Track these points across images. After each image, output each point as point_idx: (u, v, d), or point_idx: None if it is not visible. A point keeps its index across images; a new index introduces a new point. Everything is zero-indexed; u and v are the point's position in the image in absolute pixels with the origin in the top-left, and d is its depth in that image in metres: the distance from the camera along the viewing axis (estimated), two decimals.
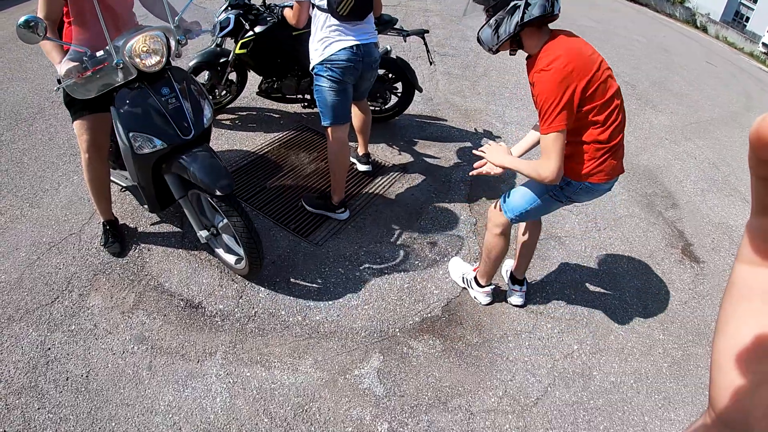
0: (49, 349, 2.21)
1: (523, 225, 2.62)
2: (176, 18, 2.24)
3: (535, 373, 2.45)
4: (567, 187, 2.14)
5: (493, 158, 2.14)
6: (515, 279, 2.78)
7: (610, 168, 2.06)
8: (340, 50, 2.70)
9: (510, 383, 2.38)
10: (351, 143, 3.36)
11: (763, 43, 20.50)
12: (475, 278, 2.72)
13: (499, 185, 3.79)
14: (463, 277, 2.82)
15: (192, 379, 2.17)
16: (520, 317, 2.73)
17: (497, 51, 2.09)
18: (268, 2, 3.59)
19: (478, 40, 2.10)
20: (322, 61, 2.73)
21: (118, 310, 2.43)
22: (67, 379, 2.10)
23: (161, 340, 2.31)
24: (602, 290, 3.03)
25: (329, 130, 2.90)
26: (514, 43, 2.02)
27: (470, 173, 2.32)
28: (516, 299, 2.78)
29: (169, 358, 2.24)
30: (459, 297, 2.77)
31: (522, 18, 1.90)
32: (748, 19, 25.23)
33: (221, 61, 3.59)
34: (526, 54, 2.05)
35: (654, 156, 4.84)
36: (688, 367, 2.68)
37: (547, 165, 1.92)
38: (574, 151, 2.03)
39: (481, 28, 2.06)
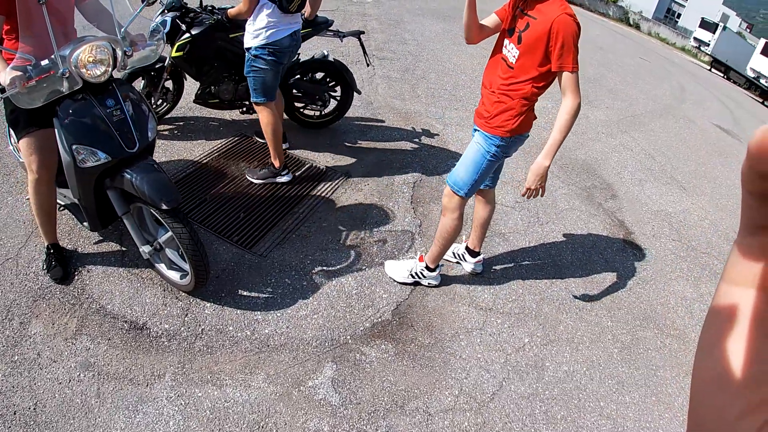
0: None
1: (480, 206, 2.85)
2: (122, 29, 2.19)
3: (489, 369, 2.50)
4: (504, 145, 2.41)
5: (539, 177, 2.33)
6: (474, 252, 2.99)
7: (533, 117, 2.42)
8: (284, 37, 3.06)
9: (465, 381, 2.42)
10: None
11: (694, 38, 21.68)
12: (426, 266, 2.81)
13: (441, 186, 3.84)
14: (410, 273, 2.85)
15: (142, 403, 2.10)
16: (469, 315, 2.78)
17: None
18: (205, 4, 3.52)
19: None
20: (265, 45, 3.03)
21: (60, 336, 2.32)
22: (14, 414, 2.00)
23: (107, 366, 2.22)
24: (549, 283, 3.12)
25: (264, 106, 3.24)
26: None
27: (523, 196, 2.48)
28: (479, 267, 3.03)
29: (118, 384, 2.16)
30: (408, 299, 2.79)
31: None
32: (679, 15, 26.62)
33: (157, 66, 3.50)
34: None
35: (591, 150, 5.03)
36: (637, 351, 2.80)
37: (574, 97, 2.18)
38: (529, 101, 2.30)
39: None
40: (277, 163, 3.44)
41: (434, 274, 2.84)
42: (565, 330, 2.84)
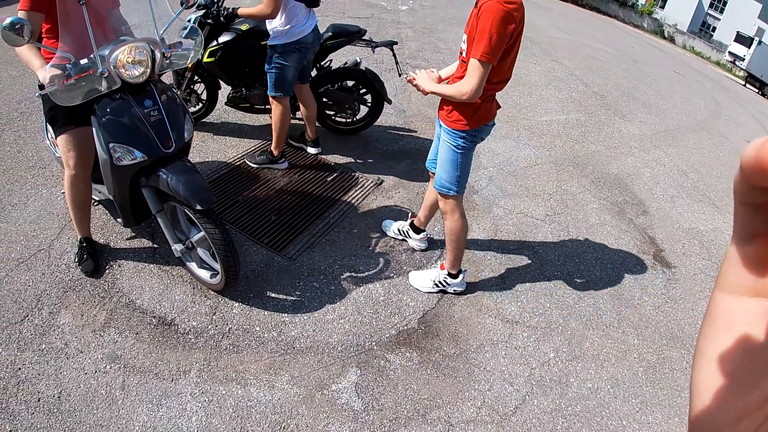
0: (20, 369, 2.14)
1: (429, 183, 2.87)
2: (162, 31, 2.23)
3: (513, 382, 2.47)
4: (466, 136, 2.42)
5: (422, 84, 2.38)
6: (418, 230, 3.09)
7: (493, 108, 2.44)
8: (308, 33, 3.19)
9: (488, 393, 2.39)
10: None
11: (729, 52, 21.21)
12: (448, 273, 2.80)
13: (472, 196, 3.82)
14: (435, 282, 2.83)
15: (166, 398, 2.12)
16: (495, 327, 2.75)
17: None
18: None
19: None
20: (291, 42, 3.14)
21: (89, 328, 2.37)
22: (38, 400, 2.04)
23: (134, 359, 2.26)
24: (576, 298, 3.07)
25: (279, 100, 3.35)
26: None
27: (406, 79, 2.52)
28: (424, 243, 3.14)
29: (143, 377, 2.19)
30: (435, 308, 2.77)
31: None
32: (714, 29, 26.06)
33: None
34: None
35: (624, 165, 4.94)
36: (663, 371, 2.73)
37: (468, 83, 2.10)
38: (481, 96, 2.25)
39: None
40: (275, 152, 3.62)
41: (458, 280, 2.82)
42: (590, 346, 2.78)
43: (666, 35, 21.51)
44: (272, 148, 3.61)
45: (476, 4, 2.12)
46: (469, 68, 2.08)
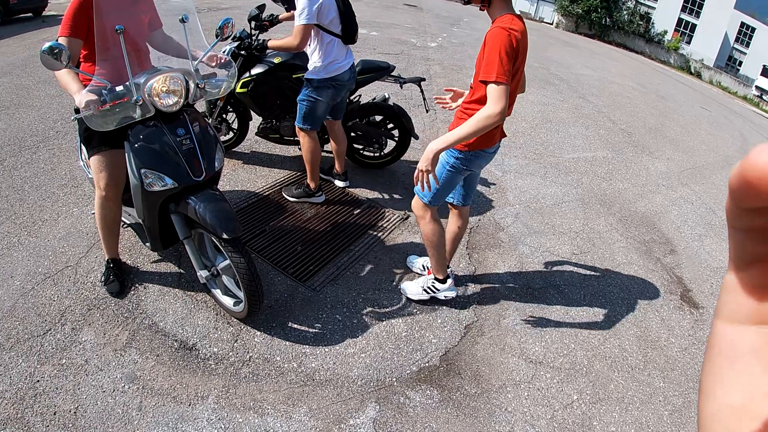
0: (38, 381, 2.17)
1: (453, 220, 2.87)
2: (196, 62, 2.29)
3: (535, 425, 2.40)
4: (462, 158, 2.42)
5: (428, 159, 2.19)
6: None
7: (496, 134, 2.43)
8: (346, 71, 3.20)
9: None
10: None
11: (756, 86, 20.97)
12: (435, 279, 2.85)
13: (498, 233, 3.80)
14: (424, 288, 2.89)
15: (183, 422, 2.11)
16: (519, 367, 2.69)
17: (467, 2, 2.30)
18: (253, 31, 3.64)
19: None
20: (327, 78, 3.16)
21: (110, 347, 2.38)
22: (54, 414, 2.05)
23: (153, 381, 2.26)
24: (602, 338, 3.00)
25: (307, 133, 3.36)
26: (486, 0, 2.22)
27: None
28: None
29: (160, 400, 2.18)
30: (457, 346, 2.73)
31: None
32: (741, 63, 25.84)
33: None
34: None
35: (651, 202, 4.87)
36: (689, 414, 2.63)
37: (495, 105, 2.08)
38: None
39: None
40: (312, 185, 3.62)
41: (446, 285, 2.86)
42: (615, 389, 2.70)
43: (692, 71, 21.39)
44: (308, 180, 3.62)
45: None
46: (489, 94, 2.11)
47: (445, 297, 2.92)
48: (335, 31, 3.13)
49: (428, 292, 2.90)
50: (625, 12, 21.85)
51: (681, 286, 3.69)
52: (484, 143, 2.41)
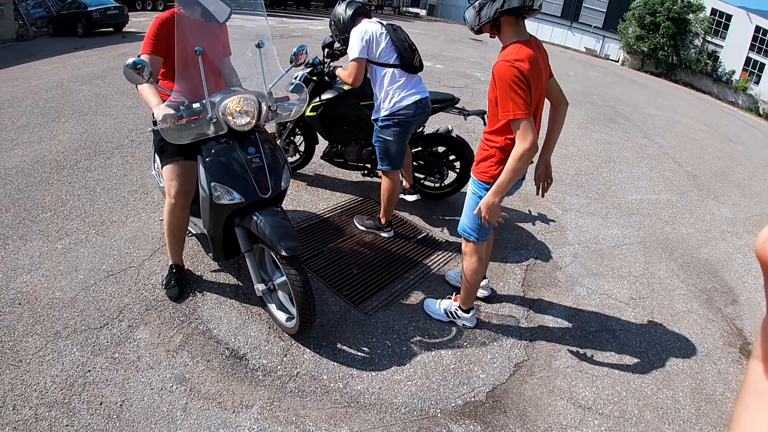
0: (89, 371, 2.26)
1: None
2: (270, 86, 2.39)
3: None
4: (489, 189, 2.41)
5: (487, 212, 2.37)
6: (466, 309, 3.05)
7: None
8: (409, 105, 3.08)
9: None
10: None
11: None
12: (459, 307, 2.92)
13: (555, 272, 3.72)
14: (447, 312, 2.96)
15: (224, 428, 2.15)
16: (566, 411, 2.60)
17: (479, 32, 2.31)
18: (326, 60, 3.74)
19: (464, 18, 2.34)
20: (390, 115, 3.08)
21: (163, 347, 2.47)
22: (101, 404, 2.13)
23: (201, 384, 2.32)
24: (655, 388, 2.87)
25: (386, 173, 3.35)
26: (494, 27, 2.23)
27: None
28: (486, 290, 3.24)
29: (206, 403, 2.24)
30: (505, 384, 2.67)
31: (501, 6, 2.10)
32: None
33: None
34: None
35: (715, 249, 4.66)
36: None
37: (523, 142, 2.14)
38: (504, 151, 2.33)
39: (467, 8, 2.28)
40: (383, 220, 3.64)
41: (468, 315, 2.93)
42: None
43: (761, 112, 20.45)
44: (380, 215, 3.65)
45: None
46: (515, 131, 2.16)
47: (463, 326, 2.98)
48: (390, 61, 3.06)
49: (449, 317, 2.97)
50: (692, 50, 21.21)
51: (741, 339, 3.49)
52: None
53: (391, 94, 3.08)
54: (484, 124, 3.99)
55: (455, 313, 2.93)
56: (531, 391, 2.67)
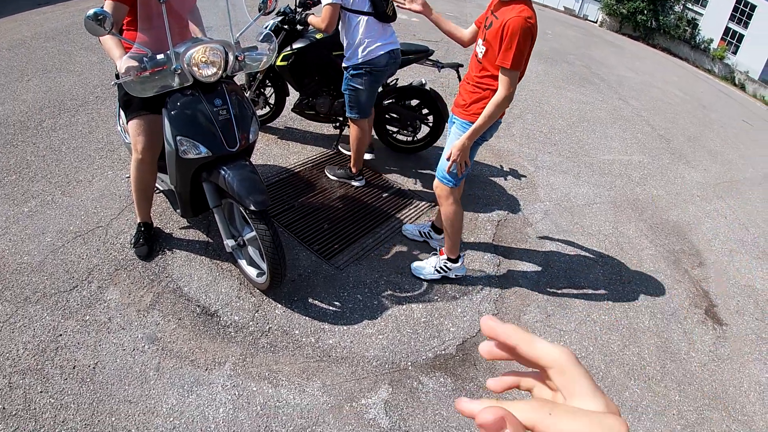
0: (61, 335, 2.23)
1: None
2: (237, 35, 2.30)
3: None
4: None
5: (460, 152, 2.52)
6: (439, 230, 3.20)
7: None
8: (382, 55, 3.07)
9: None
10: None
11: None
12: (447, 258, 2.95)
13: (525, 229, 3.76)
14: (436, 268, 2.98)
15: (198, 386, 2.16)
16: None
17: None
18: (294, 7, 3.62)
19: None
20: (362, 63, 3.06)
21: (134, 307, 2.44)
22: (73, 368, 2.12)
23: (173, 343, 2.31)
24: (621, 345, 2.95)
25: (355, 121, 3.34)
26: None
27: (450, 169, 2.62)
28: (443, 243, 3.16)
29: (178, 362, 2.24)
30: (475, 337, 2.72)
31: None
32: None
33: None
34: None
35: (684, 212, 4.76)
36: (701, 431, 2.59)
37: (506, 90, 2.32)
38: (489, 95, 2.43)
39: None
40: (354, 170, 3.65)
41: (458, 265, 2.97)
42: (630, 397, 2.66)
43: (737, 82, 20.67)
44: (351, 164, 3.65)
45: (493, 13, 2.34)
46: (501, 78, 2.31)
47: (456, 276, 3.01)
48: (363, 9, 2.98)
49: (441, 272, 2.98)
50: (672, 16, 21.17)
51: (707, 301, 3.60)
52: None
53: (366, 43, 3.04)
54: (459, 77, 3.95)
55: (445, 267, 2.97)
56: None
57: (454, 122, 2.66)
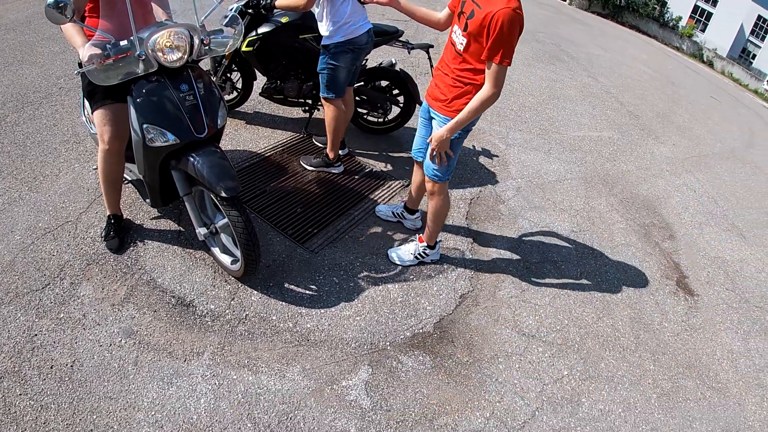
0: (36, 335, 2.19)
1: (419, 171, 3.03)
2: (202, 18, 2.25)
3: (524, 397, 2.44)
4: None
5: (441, 146, 2.46)
6: (412, 211, 3.26)
7: None
8: (362, 34, 3.07)
9: (498, 405, 2.36)
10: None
11: None
12: (427, 245, 2.98)
13: (498, 206, 3.80)
14: (415, 255, 3.00)
15: (177, 377, 2.14)
16: (511, 339, 2.72)
17: None
18: None
19: None
20: (343, 42, 3.04)
21: (108, 301, 2.40)
22: (51, 367, 2.08)
23: (149, 336, 2.29)
24: (595, 317, 3.02)
25: (332, 102, 3.29)
26: None
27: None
28: (418, 222, 3.31)
29: (156, 355, 2.22)
30: (452, 315, 2.76)
31: None
32: (754, 56, 25.43)
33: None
34: None
35: (654, 187, 4.86)
36: (677, 399, 2.67)
37: (494, 86, 2.21)
38: (472, 90, 2.35)
39: None
40: (331, 155, 3.58)
41: (434, 251, 3.02)
42: (606, 368, 2.73)
43: (705, 59, 21.06)
44: (327, 150, 3.58)
45: (474, 1, 2.20)
46: (491, 73, 2.19)
47: (431, 261, 3.06)
48: None
49: (419, 258, 3.00)
50: None
51: (677, 272, 3.70)
52: None
53: (350, 23, 3.04)
54: (429, 58, 3.94)
55: (423, 252, 2.98)
56: (477, 321, 2.76)
57: (434, 117, 2.57)
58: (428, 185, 2.72)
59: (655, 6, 22.01)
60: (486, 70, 2.21)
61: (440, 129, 2.42)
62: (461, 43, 2.29)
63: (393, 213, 3.31)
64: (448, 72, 2.42)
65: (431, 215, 2.83)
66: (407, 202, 3.24)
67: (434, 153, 2.49)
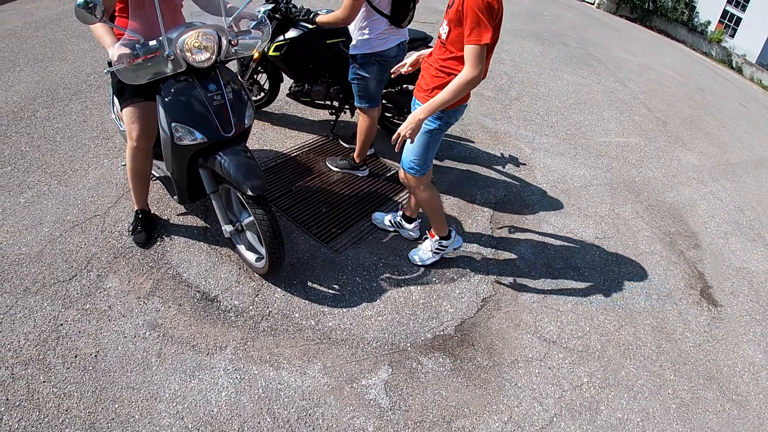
0: (62, 324, 2.24)
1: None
2: (230, 19, 2.28)
3: (543, 402, 2.43)
4: (443, 116, 2.47)
5: (412, 125, 2.29)
6: (410, 219, 3.16)
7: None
8: (391, 47, 3.06)
9: (516, 410, 2.35)
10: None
11: None
12: (439, 238, 2.95)
13: (522, 210, 3.78)
14: (433, 251, 2.98)
15: (200, 370, 2.18)
16: (532, 344, 2.70)
17: None
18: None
19: None
20: (373, 54, 3.04)
21: (134, 294, 2.45)
22: (75, 357, 2.13)
23: (173, 329, 2.33)
24: (617, 325, 2.99)
25: (363, 111, 3.32)
26: None
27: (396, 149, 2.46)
28: (416, 232, 3.20)
29: (180, 348, 2.26)
30: (473, 318, 2.75)
31: None
32: None
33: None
34: None
35: (680, 194, 4.78)
36: (696, 410, 2.63)
37: (473, 68, 2.15)
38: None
39: None
40: (358, 160, 3.61)
41: (451, 239, 2.97)
42: (626, 376, 2.70)
43: (734, 65, 20.60)
44: (355, 155, 3.62)
45: None
46: (467, 56, 2.15)
47: (455, 250, 3.05)
48: (384, 11, 2.97)
49: (438, 253, 2.99)
50: None
51: (702, 282, 3.64)
52: (462, 100, 2.46)
53: (382, 37, 3.04)
54: None
55: (440, 246, 2.97)
56: (498, 325, 2.75)
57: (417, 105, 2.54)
58: (405, 179, 2.71)
59: (684, 10, 21.60)
60: (464, 55, 2.19)
61: (417, 110, 2.29)
62: (444, 32, 2.30)
63: (391, 222, 3.25)
64: (432, 63, 2.41)
65: (424, 209, 2.84)
66: (405, 209, 3.21)
67: (401, 134, 2.31)
